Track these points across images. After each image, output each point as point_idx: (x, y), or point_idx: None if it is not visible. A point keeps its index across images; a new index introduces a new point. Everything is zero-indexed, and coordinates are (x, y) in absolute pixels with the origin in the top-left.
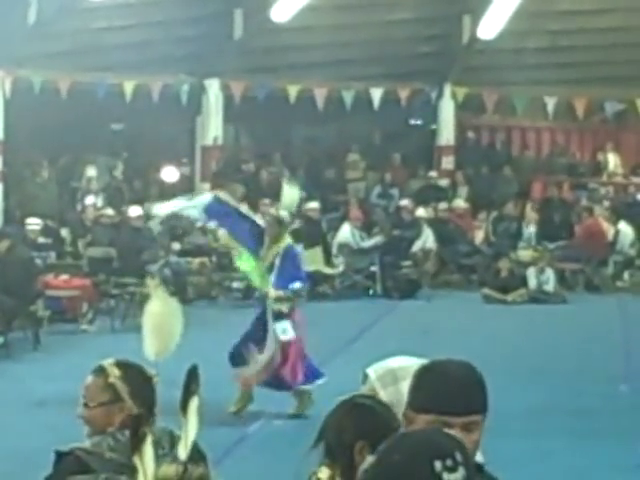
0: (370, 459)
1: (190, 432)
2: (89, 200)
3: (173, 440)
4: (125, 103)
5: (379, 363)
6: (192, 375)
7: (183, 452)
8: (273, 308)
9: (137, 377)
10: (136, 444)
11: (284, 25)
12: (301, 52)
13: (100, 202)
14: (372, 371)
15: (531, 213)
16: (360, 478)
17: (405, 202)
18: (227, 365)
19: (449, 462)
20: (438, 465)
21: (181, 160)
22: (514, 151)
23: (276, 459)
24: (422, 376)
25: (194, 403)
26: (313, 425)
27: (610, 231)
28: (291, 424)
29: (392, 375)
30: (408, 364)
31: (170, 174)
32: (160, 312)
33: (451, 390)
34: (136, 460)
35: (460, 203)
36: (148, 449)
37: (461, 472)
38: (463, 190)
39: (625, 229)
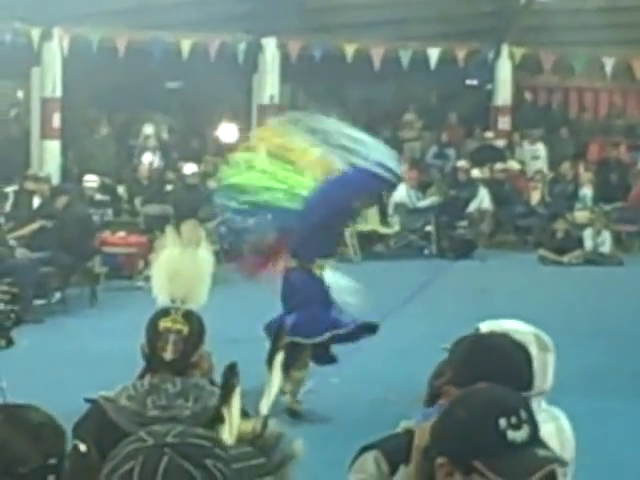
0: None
1: (274, 387)
2: (146, 158)
3: (199, 393)
4: (182, 61)
5: (493, 321)
6: (280, 332)
7: (265, 407)
8: None
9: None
10: (225, 395)
11: None
12: (358, 11)
13: (157, 160)
14: (485, 327)
15: (585, 174)
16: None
17: (461, 162)
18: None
19: (514, 420)
20: (503, 422)
21: (238, 118)
22: (571, 112)
23: (333, 419)
24: (473, 352)
25: (279, 358)
26: (372, 383)
27: None
28: (349, 381)
29: None
30: (522, 329)
31: (228, 132)
32: (177, 258)
33: (505, 367)
34: (224, 411)
35: (514, 165)
36: (236, 401)
37: (525, 430)
38: (542, 150)
39: None
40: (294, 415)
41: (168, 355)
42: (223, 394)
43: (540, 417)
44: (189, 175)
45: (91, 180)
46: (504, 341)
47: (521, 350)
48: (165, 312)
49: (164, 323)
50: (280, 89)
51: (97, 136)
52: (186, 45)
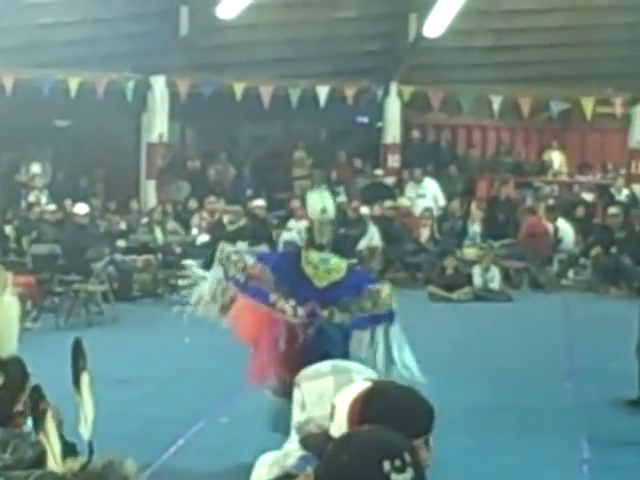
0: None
1: (88, 410)
2: (33, 197)
3: (19, 444)
4: (70, 100)
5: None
6: (78, 350)
7: (86, 433)
8: None
9: None
10: (38, 421)
11: (230, 22)
12: (247, 49)
13: (44, 199)
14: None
15: (476, 211)
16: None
17: (348, 199)
18: (170, 362)
19: (398, 462)
20: (387, 465)
21: (126, 157)
22: (459, 150)
23: (223, 460)
24: (366, 402)
25: (85, 379)
26: (263, 422)
27: (551, 229)
28: (239, 420)
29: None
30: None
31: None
32: None
33: (397, 415)
34: (42, 438)
35: (403, 202)
36: (51, 425)
37: (410, 473)
38: (433, 186)
39: (564, 227)
40: None
41: None
42: (36, 421)
43: None
44: (80, 215)
45: None
46: (396, 390)
47: (416, 395)
48: None
49: None
50: (169, 127)
51: None
52: (74, 83)
